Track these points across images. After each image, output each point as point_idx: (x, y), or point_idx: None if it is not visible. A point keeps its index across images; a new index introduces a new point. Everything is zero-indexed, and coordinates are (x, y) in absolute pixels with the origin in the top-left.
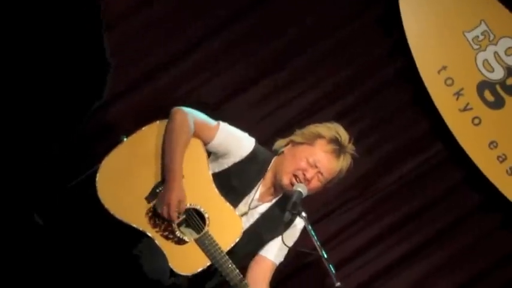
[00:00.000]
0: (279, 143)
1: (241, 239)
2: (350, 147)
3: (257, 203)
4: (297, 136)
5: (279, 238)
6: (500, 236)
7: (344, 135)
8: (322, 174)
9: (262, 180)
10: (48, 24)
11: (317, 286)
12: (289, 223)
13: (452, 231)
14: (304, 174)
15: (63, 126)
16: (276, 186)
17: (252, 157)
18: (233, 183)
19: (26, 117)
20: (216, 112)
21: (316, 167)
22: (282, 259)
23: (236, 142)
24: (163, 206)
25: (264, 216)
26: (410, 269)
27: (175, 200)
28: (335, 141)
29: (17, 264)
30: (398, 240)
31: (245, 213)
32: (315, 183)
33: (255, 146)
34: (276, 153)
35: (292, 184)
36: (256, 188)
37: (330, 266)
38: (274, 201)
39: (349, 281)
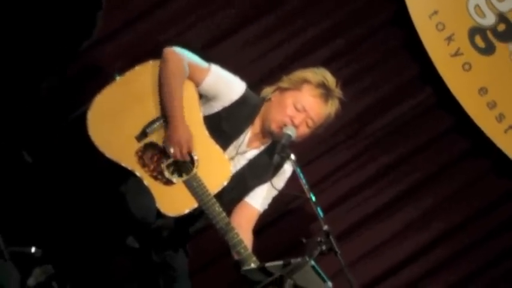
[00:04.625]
0: (266, 91)
1: (228, 184)
2: (337, 92)
3: (245, 148)
4: (283, 82)
5: (265, 185)
6: (488, 181)
7: (331, 79)
8: (311, 119)
9: (251, 125)
10: None
11: (304, 230)
12: (277, 167)
13: (440, 177)
14: (293, 121)
15: (52, 63)
16: (265, 132)
17: (242, 101)
18: (223, 126)
19: (15, 53)
20: (204, 53)
21: (305, 111)
22: (266, 207)
23: (227, 86)
24: (174, 147)
25: (251, 162)
26: (397, 214)
27: (184, 140)
28: (322, 85)
29: (5, 201)
30: (386, 184)
31: (233, 158)
32: (303, 129)
33: (245, 91)
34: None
35: (281, 128)
36: (245, 132)
37: (318, 209)
38: (262, 148)
39: (336, 225)
